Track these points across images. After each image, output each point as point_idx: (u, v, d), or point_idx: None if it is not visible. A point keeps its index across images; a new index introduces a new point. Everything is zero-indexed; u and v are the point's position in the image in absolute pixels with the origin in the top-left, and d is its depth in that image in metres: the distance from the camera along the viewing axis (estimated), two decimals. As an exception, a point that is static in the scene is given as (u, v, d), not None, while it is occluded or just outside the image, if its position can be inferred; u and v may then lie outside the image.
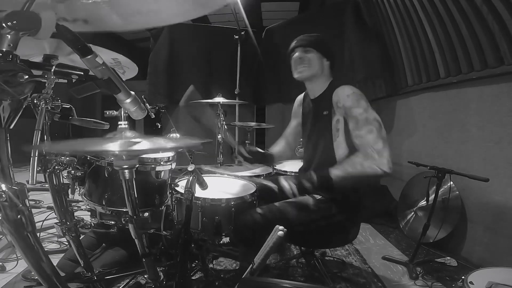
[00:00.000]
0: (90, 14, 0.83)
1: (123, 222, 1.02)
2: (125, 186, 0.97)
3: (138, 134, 0.98)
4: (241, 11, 3.33)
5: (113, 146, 0.80)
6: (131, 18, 0.87)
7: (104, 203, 1.33)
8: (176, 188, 1.45)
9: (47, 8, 0.65)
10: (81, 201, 2.05)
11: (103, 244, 1.61)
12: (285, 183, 1.25)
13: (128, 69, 1.32)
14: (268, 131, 4.01)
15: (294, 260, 1.93)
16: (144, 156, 1.36)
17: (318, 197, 1.37)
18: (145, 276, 1.10)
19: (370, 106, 1.30)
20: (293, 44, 1.47)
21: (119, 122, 1.03)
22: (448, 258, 1.99)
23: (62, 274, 1.34)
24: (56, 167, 1.14)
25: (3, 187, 0.66)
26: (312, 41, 1.43)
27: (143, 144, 0.84)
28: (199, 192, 1.30)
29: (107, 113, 1.41)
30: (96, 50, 0.73)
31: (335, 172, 1.24)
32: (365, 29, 3.03)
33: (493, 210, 1.90)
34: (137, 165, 0.96)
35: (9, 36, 0.61)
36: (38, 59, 1.04)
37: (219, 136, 2.69)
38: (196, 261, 1.54)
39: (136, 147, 0.80)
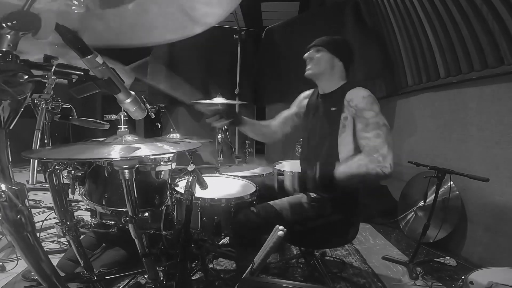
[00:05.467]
0: (82, 27, 0.82)
1: (123, 222, 1.02)
2: (125, 186, 0.97)
3: (138, 138, 0.98)
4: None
5: (114, 154, 0.81)
6: (124, 34, 0.88)
7: (104, 203, 1.32)
8: (176, 188, 1.45)
9: (46, 8, 0.65)
10: (81, 201, 2.05)
11: (103, 244, 1.61)
12: (288, 183, 1.28)
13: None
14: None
15: (294, 260, 1.93)
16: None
17: (313, 195, 1.37)
18: (145, 276, 1.10)
19: (380, 111, 1.31)
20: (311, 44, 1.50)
21: (118, 126, 1.03)
22: (448, 258, 1.99)
23: (62, 274, 1.34)
24: (56, 167, 1.14)
25: (3, 187, 0.66)
26: (324, 41, 1.46)
27: (144, 150, 0.85)
28: (199, 192, 1.30)
29: (106, 116, 1.42)
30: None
31: (340, 173, 1.26)
32: (365, 29, 3.03)
33: (493, 210, 1.90)
34: (137, 165, 0.97)
35: (9, 36, 0.61)
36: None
37: (219, 136, 2.70)
38: (196, 261, 1.54)
39: (136, 153, 0.81)
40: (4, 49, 0.61)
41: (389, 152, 1.24)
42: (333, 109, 1.39)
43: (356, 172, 1.23)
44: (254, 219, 1.28)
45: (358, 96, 1.32)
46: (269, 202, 1.35)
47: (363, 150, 1.27)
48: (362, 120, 1.29)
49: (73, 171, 1.33)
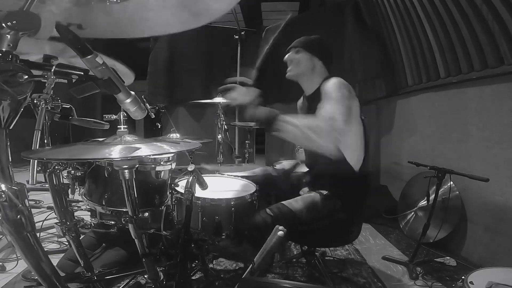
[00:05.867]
0: (84, 19, 0.83)
1: (123, 222, 1.02)
2: (125, 186, 0.97)
3: (138, 138, 0.98)
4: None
5: (114, 154, 0.81)
6: (125, 27, 0.88)
7: (104, 203, 1.32)
8: (176, 188, 1.45)
9: (46, 8, 0.65)
10: (81, 201, 2.05)
11: (103, 244, 1.61)
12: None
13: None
14: (268, 131, 4.02)
15: (295, 260, 1.93)
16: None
17: (324, 192, 1.38)
18: (145, 276, 1.10)
19: (352, 97, 1.27)
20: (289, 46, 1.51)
21: (118, 126, 1.03)
22: (448, 258, 1.99)
23: (62, 274, 1.34)
24: (56, 167, 1.14)
25: (3, 187, 0.66)
26: (302, 41, 1.48)
27: (143, 150, 0.85)
28: (199, 192, 1.30)
29: (106, 117, 1.42)
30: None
31: (285, 118, 1.14)
32: (365, 29, 3.03)
33: (493, 210, 1.90)
34: (137, 165, 0.97)
35: (9, 36, 0.61)
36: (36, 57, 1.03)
37: (219, 136, 2.70)
38: (196, 261, 1.54)
39: (136, 153, 0.81)
40: (4, 49, 0.61)
41: (347, 124, 1.13)
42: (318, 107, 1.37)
43: (301, 127, 1.10)
44: (270, 221, 1.27)
45: (328, 84, 1.29)
46: (283, 202, 1.35)
47: (319, 117, 1.17)
48: (326, 96, 1.23)
49: (73, 171, 1.33)
